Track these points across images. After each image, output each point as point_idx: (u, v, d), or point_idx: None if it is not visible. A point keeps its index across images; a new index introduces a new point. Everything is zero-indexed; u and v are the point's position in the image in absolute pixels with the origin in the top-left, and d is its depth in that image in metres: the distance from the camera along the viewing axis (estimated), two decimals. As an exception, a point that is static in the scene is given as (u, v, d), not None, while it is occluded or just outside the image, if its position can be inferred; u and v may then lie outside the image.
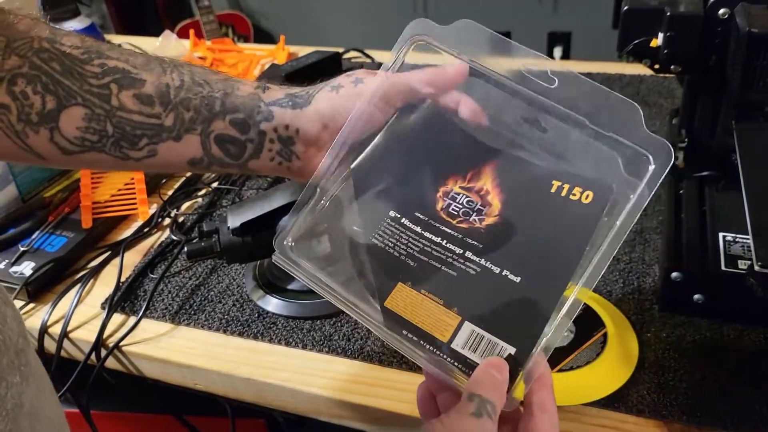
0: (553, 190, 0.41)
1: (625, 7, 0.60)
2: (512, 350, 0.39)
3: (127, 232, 0.79)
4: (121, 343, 0.65)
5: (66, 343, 0.67)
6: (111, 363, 0.66)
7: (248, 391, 0.62)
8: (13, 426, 0.34)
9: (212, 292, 0.69)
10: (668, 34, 0.58)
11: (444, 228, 0.42)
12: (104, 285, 0.72)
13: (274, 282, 0.68)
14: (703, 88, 0.65)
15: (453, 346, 0.39)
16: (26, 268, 0.72)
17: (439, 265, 0.41)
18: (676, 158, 0.68)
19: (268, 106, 0.45)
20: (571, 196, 0.41)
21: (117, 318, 0.68)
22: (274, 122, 0.45)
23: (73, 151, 0.43)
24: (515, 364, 0.38)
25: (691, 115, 0.67)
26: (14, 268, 0.73)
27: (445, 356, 0.39)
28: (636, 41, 0.60)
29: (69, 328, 0.67)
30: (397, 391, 0.57)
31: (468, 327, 0.40)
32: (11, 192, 0.81)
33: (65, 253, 0.74)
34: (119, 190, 0.84)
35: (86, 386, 0.65)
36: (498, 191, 0.42)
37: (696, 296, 0.59)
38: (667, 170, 0.39)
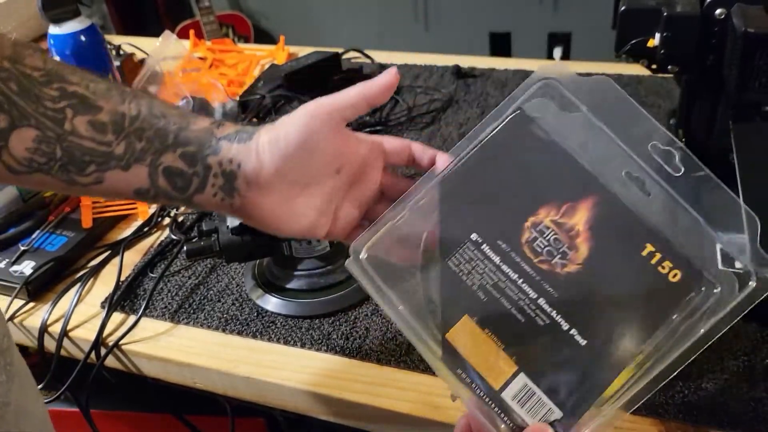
0: (644, 254, 0.39)
1: (623, 8, 0.60)
2: (559, 415, 0.38)
3: (127, 232, 0.80)
4: (121, 342, 0.65)
5: (66, 342, 0.67)
6: (111, 362, 0.66)
7: (247, 389, 0.62)
8: (0, 423, 0.34)
9: (211, 291, 0.70)
10: (665, 34, 0.58)
11: (524, 265, 0.40)
12: (104, 284, 0.72)
13: (273, 281, 0.68)
14: (700, 88, 0.65)
15: (503, 395, 0.38)
16: (26, 267, 0.73)
17: (510, 306, 0.40)
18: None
19: (218, 141, 0.44)
20: (660, 269, 0.39)
21: (117, 317, 0.68)
22: (219, 156, 0.44)
23: (21, 171, 0.43)
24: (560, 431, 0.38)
25: (688, 115, 0.67)
26: (14, 267, 0.73)
27: (492, 404, 0.39)
28: (633, 41, 0.60)
29: (69, 327, 0.67)
30: (395, 389, 0.58)
31: (522, 379, 0.39)
32: (12, 191, 0.81)
33: (65, 253, 0.75)
34: (119, 189, 0.85)
35: (86, 385, 0.66)
36: (588, 235, 0.40)
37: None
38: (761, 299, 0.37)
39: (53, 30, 0.88)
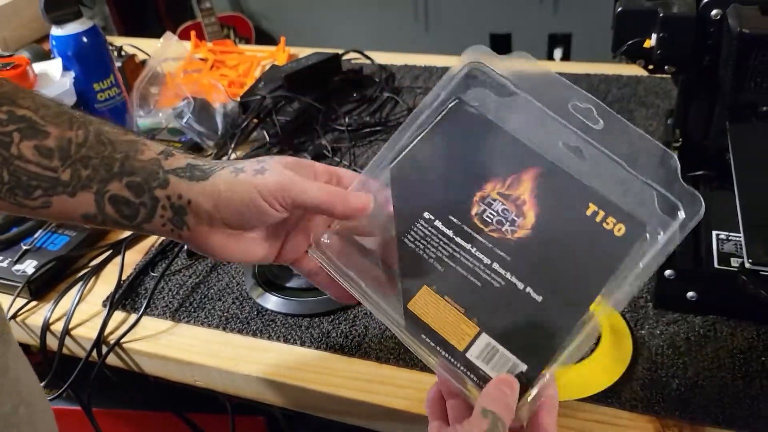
0: (588, 213, 0.42)
1: (619, 9, 0.60)
2: (523, 368, 0.40)
3: (128, 231, 0.80)
4: (122, 341, 0.66)
5: (67, 341, 0.68)
6: (112, 360, 0.67)
7: (248, 387, 0.62)
8: (1, 388, 0.35)
9: (212, 290, 0.70)
10: (661, 35, 0.58)
11: (476, 235, 0.43)
12: (105, 283, 0.73)
13: (273, 280, 0.69)
14: (697, 88, 0.66)
15: (468, 355, 0.41)
16: (28, 266, 0.73)
17: (466, 273, 0.42)
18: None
19: (166, 174, 0.45)
20: (605, 225, 0.41)
21: (118, 316, 0.69)
22: (168, 190, 0.45)
23: None
24: (526, 382, 0.39)
25: (685, 115, 0.68)
26: (17, 267, 0.74)
27: (459, 365, 0.41)
28: (630, 42, 0.61)
29: (70, 326, 0.68)
30: (394, 387, 0.58)
31: (484, 339, 0.41)
32: (14, 191, 0.82)
33: (67, 252, 0.75)
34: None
35: (88, 383, 0.66)
36: (534, 203, 0.43)
37: (689, 294, 0.60)
38: (696, 221, 0.40)
39: (55, 31, 0.89)
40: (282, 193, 0.44)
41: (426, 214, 0.44)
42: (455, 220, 0.43)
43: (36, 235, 0.78)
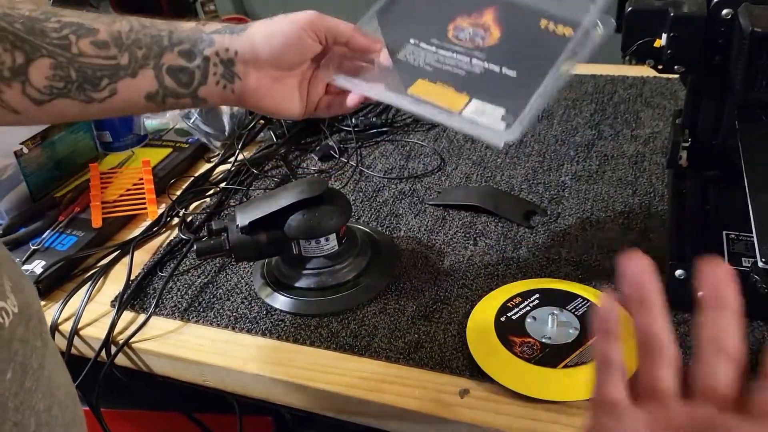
0: (542, 27, 0.55)
1: (629, 8, 0.60)
2: (503, 111, 0.52)
3: (136, 232, 0.80)
4: (131, 340, 0.66)
5: (76, 341, 0.68)
6: (121, 360, 0.67)
7: (256, 387, 0.62)
8: (37, 384, 0.36)
9: (220, 290, 0.70)
10: (672, 34, 0.58)
11: (455, 46, 0.56)
12: (114, 283, 0.73)
13: (282, 280, 0.69)
14: (706, 88, 0.66)
15: (463, 114, 0.53)
16: (37, 266, 0.73)
17: (451, 68, 0.55)
18: (679, 157, 0.69)
19: (209, 35, 0.52)
20: (556, 32, 0.55)
21: (126, 316, 0.69)
22: (215, 47, 0.52)
23: (43, 101, 0.48)
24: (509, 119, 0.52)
25: (694, 115, 0.68)
26: (25, 266, 0.74)
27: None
28: (639, 42, 0.61)
29: (79, 326, 0.68)
30: (403, 386, 0.58)
31: (475, 102, 0.54)
32: (22, 192, 0.82)
33: (75, 252, 0.75)
34: (128, 190, 0.85)
35: (96, 383, 0.66)
36: (498, 25, 0.56)
37: (700, 293, 0.59)
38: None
39: (63, 32, 0.89)
40: (317, 25, 0.53)
41: (412, 40, 0.57)
42: (435, 41, 0.56)
43: (44, 236, 0.78)
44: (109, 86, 0.50)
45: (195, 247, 0.65)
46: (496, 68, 0.54)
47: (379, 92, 0.56)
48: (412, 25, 0.58)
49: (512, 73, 0.54)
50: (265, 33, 0.52)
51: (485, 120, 0.52)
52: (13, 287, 0.36)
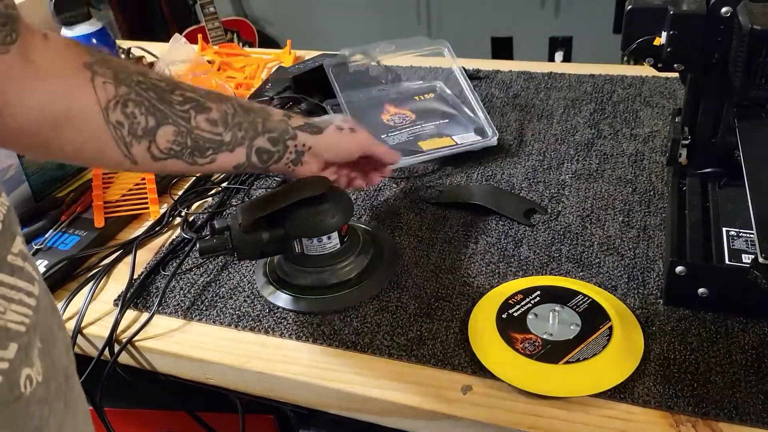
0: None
1: (629, 7, 0.61)
2: (472, 131, 0.73)
3: (138, 231, 0.81)
4: (134, 339, 0.66)
5: (80, 340, 0.68)
6: (124, 359, 0.67)
7: (259, 384, 0.63)
8: (69, 394, 0.35)
9: (223, 289, 0.70)
10: (671, 32, 0.59)
11: (403, 125, 0.86)
12: (116, 282, 0.73)
13: (284, 278, 0.69)
14: (705, 86, 0.66)
15: (459, 144, 0.76)
16: (40, 266, 0.73)
17: (420, 131, 0.78)
18: (679, 155, 0.69)
19: (294, 130, 0.64)
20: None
21: (129, 314, 0.69)
22: (296, 141, 0.64)
23: (160, 158, 0.57)
24: None
25: (693, 113, 0.68)
26: (28, 266, 0.74)
27: None
28: (639, 40, 0.61)
29: (82, 325, 0.68)
30: (406, 383, 0.58)
31: (455, 137, 0.81)
32: (24, 192, 0.82)
33: (78, 252, 0.76)
34: (130, 189, 0.86)
35: (100, 382, 0.66)
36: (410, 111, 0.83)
37: (700, 290, 0.60)
38: None
39: (65, 33, 0.89)
40: (363, 147, 0.69)
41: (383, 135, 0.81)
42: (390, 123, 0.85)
43: (47, 235, 0.78)
44: (212, 156, 0.59)
45: (198, 245, 0.65)
46: (436, 122, 0.89)
47: (406, 159, 0.83)
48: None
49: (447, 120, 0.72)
50: (336, 140, 0.66)
51: (470, 140, 0.82)
52: (42, 348, 0.35)
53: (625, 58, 2.53)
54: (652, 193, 0.78)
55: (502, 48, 2.71)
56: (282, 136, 0.63)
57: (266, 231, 0.65)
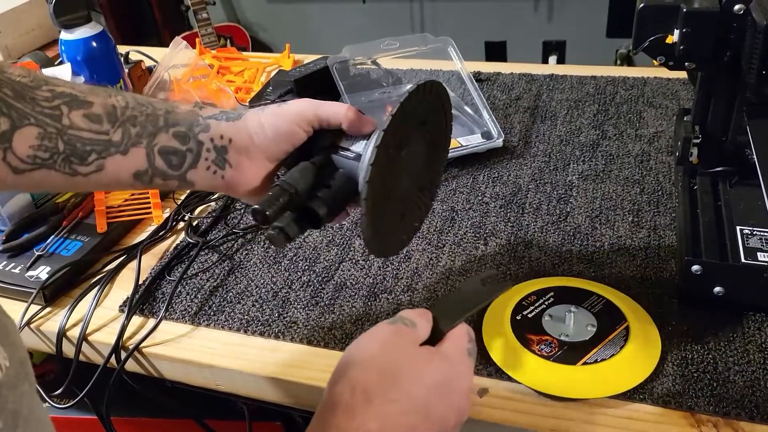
0: None
1: (640, 5, 0.60)
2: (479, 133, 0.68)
3: (141, 236, 0.79)
4: (142, 345, 0.64)
5: (85, 347, 0.67)
6: (131, 366, 0.66)
7: (271, 390, 0.61)
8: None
9: (231, 293, 0.69)
10: (684, 30, 0.58)
11: None
12: (121, 288, 0.72)
13: None
14: (716, 84, 0.66)
15: (467, 146, 0.66)
16: (42, 272, 0.72)
17: None
18: (690, 154, 0.69)
19: (205, 120, 0.51)
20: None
21: (135, 321, 0.68)
22: (210, 132, 0.51)
23: (24, 170, 0.46)
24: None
25: (704, 111, 0.68)
26: (30, 273, 0.72)
27: None
28: (651, 38, 0.61)
29: (88, 331, 0.67)
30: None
31: (460, 139, 0.76)
32: (24, 197, 0.81)
33: (81, 257, 0.74)
34: (132, 194, 0.84)
35: (106, 390, 0.65)
36: None
37: (716, 289, 0.59)
38: None
39: (65, 36, 0.88)
40: (307, 115, 0.51)
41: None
42: None
43: (49, 241, 0.77)
44: (97, 161, 0.48)
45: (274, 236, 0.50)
46: None
47: None
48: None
49: (451, 121, 0.58)
50: (258, 124, 0.52)
51: (475, 141, 0.80)
52: (1, 333, 0.34)
53: (619, 62, 2.55)
54: (660, 192, 0.78)
55: (495, 52, 2.72)
56: (191, 129, 0.50)
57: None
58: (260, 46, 2.90)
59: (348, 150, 0.52)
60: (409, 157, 0.53)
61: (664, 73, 0.86)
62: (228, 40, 2.77)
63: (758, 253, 0.60)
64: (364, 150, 0.52)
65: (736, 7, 0.57)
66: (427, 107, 0.54)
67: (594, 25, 2.51)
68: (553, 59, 2.69)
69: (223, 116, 0.52)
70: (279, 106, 0.52)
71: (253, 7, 2.90)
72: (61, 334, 0.67)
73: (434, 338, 0.48)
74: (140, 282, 0.71)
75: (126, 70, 1.01)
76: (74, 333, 0.67)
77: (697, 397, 0.54)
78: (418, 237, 0.75)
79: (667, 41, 0.61)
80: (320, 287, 0.69)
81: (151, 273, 0.73)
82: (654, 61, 0.64)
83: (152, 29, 2.84)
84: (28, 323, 0.69)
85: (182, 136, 0.50)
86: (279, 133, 0.51)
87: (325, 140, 0.53)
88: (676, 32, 0.59)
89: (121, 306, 0.69)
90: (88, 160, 0.47)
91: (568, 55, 2.70)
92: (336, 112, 0.51)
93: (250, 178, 0.52)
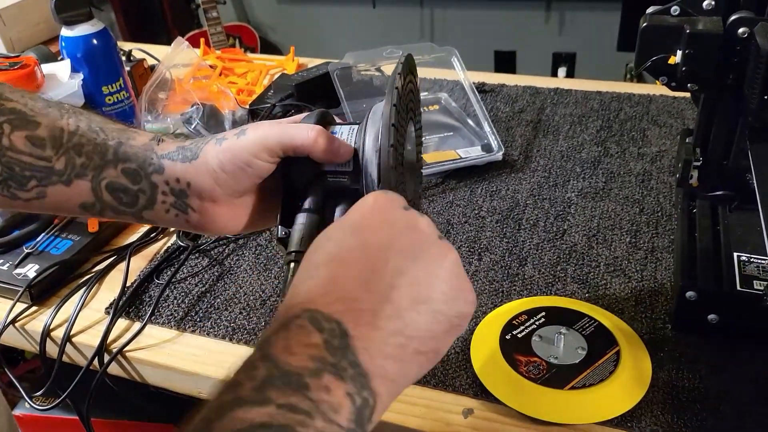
0: None
1: (644, 24, 0.59)
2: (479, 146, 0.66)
3: (133, 237, 0.79)
4: (125, 349, 0.64)
5: (68, 348, 0.66)
6: (113, 369, 0.65)
7: (253, 401, 0.61)
8: None
9: (218, 300, 0.68)
10: (687, 51, 0.57)
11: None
12: (109, 290, 0.71)
13: None
14: (719, 107, 0.65)
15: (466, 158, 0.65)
16: (30, 270, 0.71)
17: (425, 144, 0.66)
18: (690, 176, 0.68)
19: (159, 159, 0.45)
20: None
21: (121, 323, 0.67)
22: (164, 175, 0.45)
23: None
24: None
25: (706, 134, 0.67)
26: (18, 270, 0.72)
27: None
28: (654, 58, 0.60)
29: (72, 332, 0.66)
30: (406, 404, 0.56)
31: (458, 151, 0.71)
32: (17, 193, 0.80)
33: (70, 257, 0.74)
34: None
35: (88, 392, 0.64)
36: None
37: (710, 316, 0.58)
38: None
39: (65, 32, 0.88)
40: (270, 143, 0.44)
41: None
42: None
43: (39, 239, 0.76)
44: (37, 188, 0.44)
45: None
46: (441, 135, 0.84)
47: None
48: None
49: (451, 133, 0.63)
50: (217, 162, 0.45)
51: (475, 154, 0.81)
52: None
53: (629, 76, 2.54)
54: (660, 213, 0.77)
55: (505, 62, 2.71)
56: (143, 168, 0.45)
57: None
58: (269, 47, 2.90)
59: (340, 174, 0.46)
60: (406, 157, 0.49)
61: (671, 91, 0.85)
62: (237, 40, 2.77)
63: (754, 281, 0.58)
64: (363, 168, 0.45)
65: (740, 30, 0.56)
66: (411, 95, 0.50)
67: (605, 38, 2.50)
68: (562, 71, 2.68)
69: (179, 155, 0.46)
70: (237, 137, 0.45)
71: (263, 8, 2.90)
72: (46, 333, 0.66)
73: None
74: (128, 284, 0.71)
75: (127, 69, 1.00)
76: (59, 333, 0.66)
77: (686, 427, 0.52)
78: (411, 249, 0.74)
79: (669, 62, 0.60)
80: (309, 297, 0.68)
81: (139, 276, 0.72)
82: (656, 82, 0.63)
83: (162, 27, 2.84)
84: (14, 321, 0.68)
85: (132, 175, 0.45)
86: (238, 168, 0.44)
87: (307, 166, 0.46)
88: (679, 53, 0.58)
89: (107, 308, 0.68)
90: (27, 186, 0.44)
91: (578, 67, 2.69)
92: (303, 138, 0.44)
93: (220, 221, 0.47)
